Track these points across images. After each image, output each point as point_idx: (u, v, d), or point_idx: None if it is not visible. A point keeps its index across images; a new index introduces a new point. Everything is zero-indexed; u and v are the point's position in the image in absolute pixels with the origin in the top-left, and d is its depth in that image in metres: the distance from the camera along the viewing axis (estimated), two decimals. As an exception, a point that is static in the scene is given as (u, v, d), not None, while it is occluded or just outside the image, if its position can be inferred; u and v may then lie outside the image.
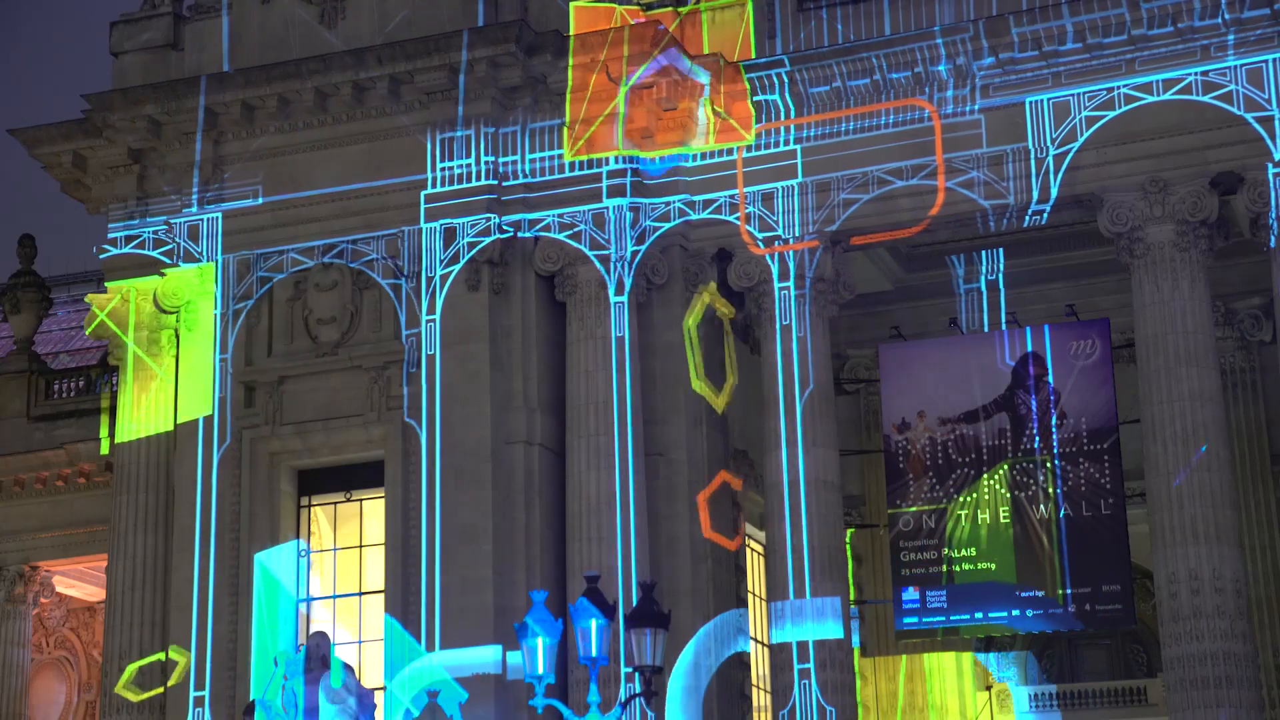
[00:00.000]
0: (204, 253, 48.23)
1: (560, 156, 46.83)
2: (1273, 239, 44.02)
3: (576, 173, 46.78)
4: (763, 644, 48.42)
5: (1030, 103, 45.48)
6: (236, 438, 47.13)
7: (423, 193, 46.99)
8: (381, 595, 45.90)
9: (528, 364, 46.35)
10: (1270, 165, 43.64)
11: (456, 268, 46.46)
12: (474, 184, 46.58)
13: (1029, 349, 46.91)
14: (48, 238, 62.12)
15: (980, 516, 46.25)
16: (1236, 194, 44.52)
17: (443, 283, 46.42)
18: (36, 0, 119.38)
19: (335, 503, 47.75)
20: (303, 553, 47.32)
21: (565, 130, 46.95)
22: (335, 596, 47.43)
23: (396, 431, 46.01)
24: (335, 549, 47.81)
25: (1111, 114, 44.98)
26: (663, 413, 46.68)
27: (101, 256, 49.78)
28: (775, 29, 47.52)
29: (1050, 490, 45.86)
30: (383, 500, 46.31)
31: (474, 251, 46.31)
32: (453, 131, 46.74)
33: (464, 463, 45.37)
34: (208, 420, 47.45)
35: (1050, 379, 46.53)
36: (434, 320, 46.32)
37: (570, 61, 46.52)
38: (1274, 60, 43.96)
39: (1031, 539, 45.82)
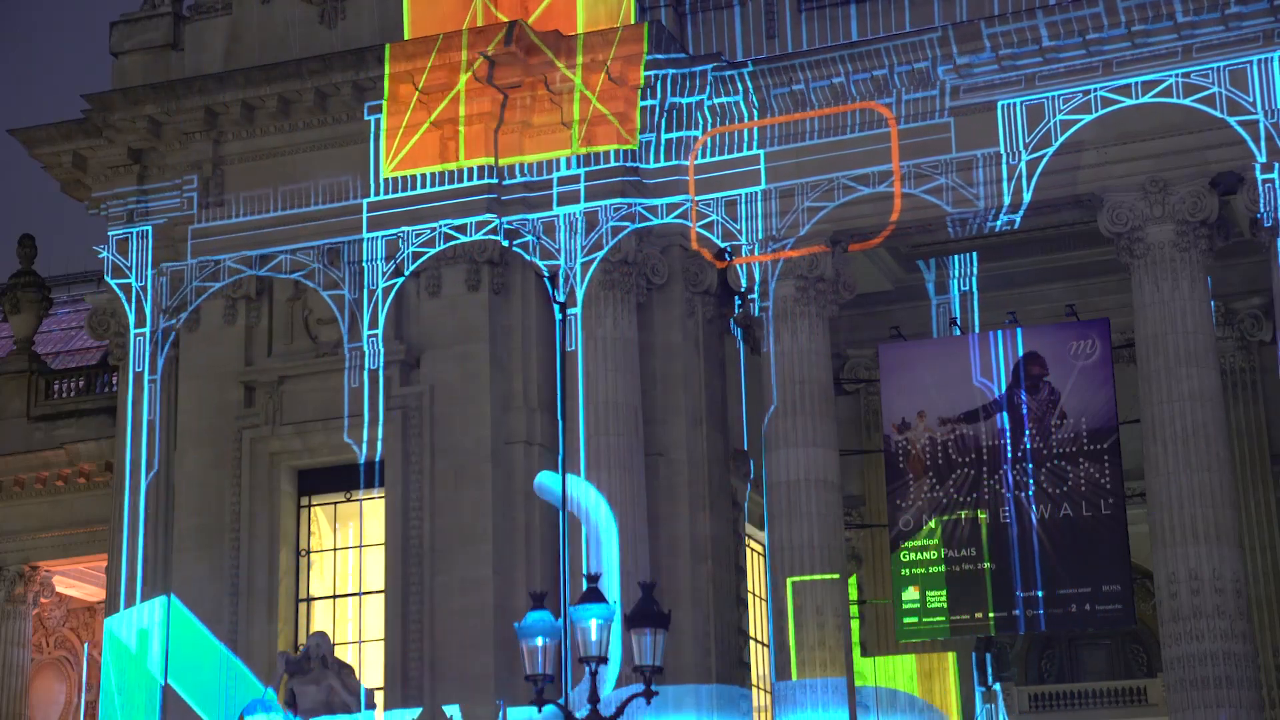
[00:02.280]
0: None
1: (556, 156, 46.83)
2: (1264, 234, 44.11)
3: (573, 170, 46.73)
4: (762, 644, 48.42)
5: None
6: (236, 438, 47.12)
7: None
8: (382, 595, 45.90)
9: (528, 364, 46.34)
10: (1258, 167, 43.65)
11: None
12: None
13: (1029, 349, 46.88)
14: (48, 238, 62.17)
15: (980, 516, 46.22)
16: (1236, 194, 44.52)
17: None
18: (36, 0, 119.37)
19: (335, 503, 47.73)
20: (303, 553, 47.34)
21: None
22: (335, 596, 47.42)
23: (397, 431, 45.99)
24: (335, 549, 47.80)
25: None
26: (663, 413, 46.68)
27: (101, 256, 49.86)
28: (775, 30, 47.54)
29: (1050, 490, 45.84)
30: (383, 500, 46.31)
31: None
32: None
33: (464, 463, 45.37)
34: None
35: (1050, 379, 46.51)
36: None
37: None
38: (1258, 61, 43.96)
39: (1031, 539, 45.78)
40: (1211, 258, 45.06)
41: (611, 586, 43.11)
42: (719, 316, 48.04)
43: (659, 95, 46.62)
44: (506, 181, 46.66)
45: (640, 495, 45.49)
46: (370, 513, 47.16)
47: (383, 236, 46.78)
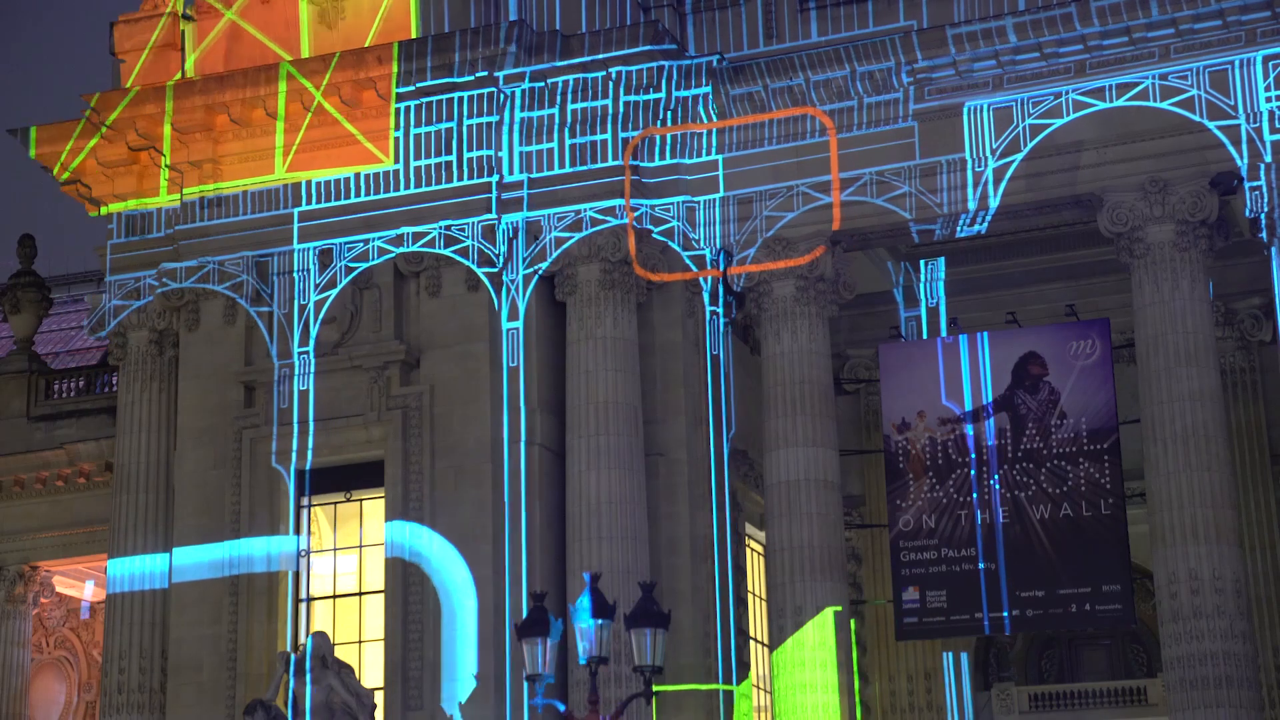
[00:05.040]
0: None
1: (553, 157, 46.78)
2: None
3: (578, 168, 46.69)
4: (762, 644, 48.42)
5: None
6: (236, 438, 47.13)
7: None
8: (381, 595, 45.89)
9: (528, 364, 46.32)
10: (1244, 170, 43.62)
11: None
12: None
13: (1029, 349, 46.88)
14: (48, 238, 62.13)
15: (980, 516, 46.21)
16: (1236, 194, 44.47)
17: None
18: (36, 0, 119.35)
19: (335, 503, 47.72)
20: (303, 553, 47.32)
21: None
22: (335, 596, 47.41)
23: (396, 431, 45.99)
24: (335, 549, 47.78)
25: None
26: (663, 413, 46.65)
27: (101, 256, 49.95)
28: (776, 29, 47.54)
29: (1050, 490, 45.83)
30: (383, 500, 46.30)
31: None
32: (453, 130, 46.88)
33: (464, 463, 45.36)
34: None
35: (1050, 379, 46.51)
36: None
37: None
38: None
39: (1031, 539, 45.77)
40: (1211, 258, 45.05)
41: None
42: (719, 316, 47.95)
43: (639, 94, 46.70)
44: (507, 180, 46.69)
45: (640, 495, 45.46)
46: (370, 513, 47.17)
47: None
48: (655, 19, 47.24)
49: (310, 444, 46.12)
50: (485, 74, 46.31)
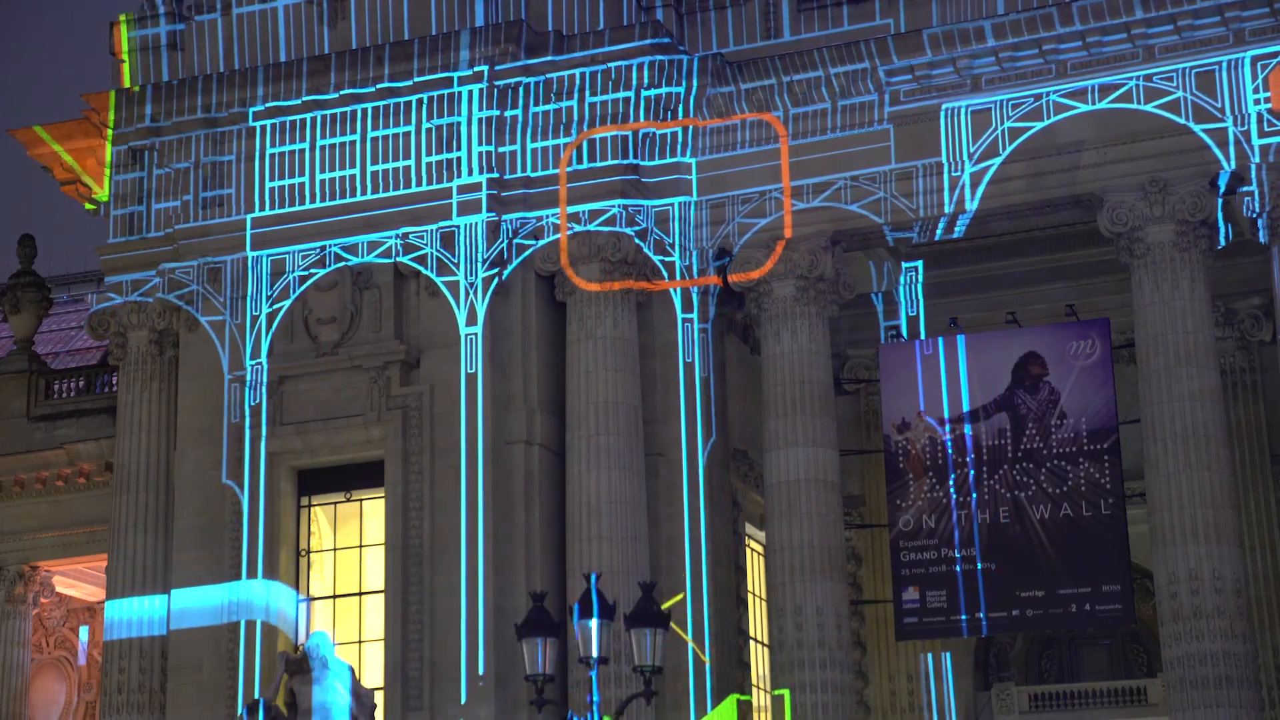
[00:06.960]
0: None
1: (553, 157, 46.81)
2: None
3: (576, 167, 46.68)
4: (762, 644, 48.42)
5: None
6: (236, 437, 47.13)
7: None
8: (381, 595, 45.90)
9: (528, 364, 46.32)
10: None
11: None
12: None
13: (1029, 349, 46.89)
14: (48, 238, 62.11)
15: (980, 516, 46.21)
16: (1236, 194, 44.47)
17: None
18: (36, 0, 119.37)
19: (335, 503, 47.71)
20: (303, 553, 47.33)
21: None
22: (335, 596, 47.41)
23: (396, 431, 45.98)
24: (335, 549, 47.78)
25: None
26: (663, 413, 46.65)
27: (102, 256, 49.96)
28: (775, 29, 47.54)
29: (1050, 490, 45.83)
30: (383, 500, 46.30)
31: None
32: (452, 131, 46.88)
33: (464, 463, 45.37)
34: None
35: (1050, 379, 46.52)
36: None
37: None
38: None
39: (1031, 539, 45.79)
40: (1211, 258, 45.05)
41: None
42: (719, 316, 48.00)
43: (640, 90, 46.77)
44: (508, 177, 46.74)
45: (640, 495, 45.47)
46: (370, 513, 47.17)
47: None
48: (644, 20, 47.16)
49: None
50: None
